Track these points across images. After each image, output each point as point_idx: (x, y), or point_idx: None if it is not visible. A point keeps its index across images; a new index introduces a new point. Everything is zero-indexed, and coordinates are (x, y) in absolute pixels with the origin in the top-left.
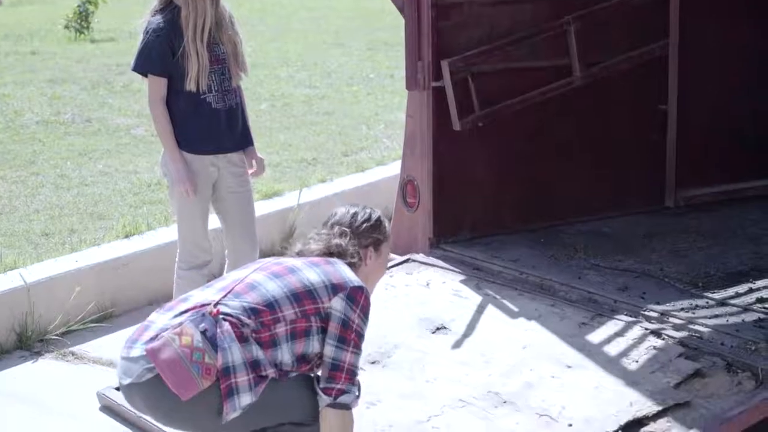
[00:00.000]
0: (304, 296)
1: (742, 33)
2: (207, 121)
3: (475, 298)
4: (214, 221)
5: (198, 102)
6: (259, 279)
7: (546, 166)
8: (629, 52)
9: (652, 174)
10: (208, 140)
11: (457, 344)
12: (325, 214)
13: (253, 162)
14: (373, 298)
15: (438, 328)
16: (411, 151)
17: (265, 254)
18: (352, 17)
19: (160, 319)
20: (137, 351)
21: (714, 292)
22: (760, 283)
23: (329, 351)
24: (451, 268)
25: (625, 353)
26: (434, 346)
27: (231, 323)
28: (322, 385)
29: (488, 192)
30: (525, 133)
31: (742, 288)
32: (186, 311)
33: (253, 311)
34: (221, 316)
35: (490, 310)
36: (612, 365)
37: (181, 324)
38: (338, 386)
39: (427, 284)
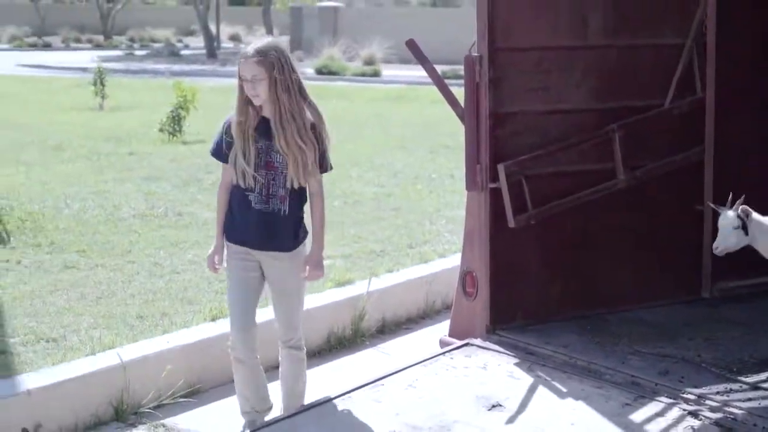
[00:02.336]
0: None
1: None
2: (242, 216)
3: (528, 380)
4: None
5: (242, 197)
6: None
7: (592, 260)
8: (669, 157)
9: (690, 267)
10: (235, 232)
11: (511, 420)
12: (392, 302)
13: (307, 267)
14: (434, 378)
15: (494, 406)
16: (470, 246)
17: (337, 337)
18: (416, 124)
19: None
20: None
21: (747, 377)
22: None
23: None
24: (506, 352)
25: None
26: (490, 422)
27: None
28: None
29: (540, 283)
30: (573, 230)
31: None
32: None
33: None
34: None
35: (542, 390)
36: None
37: None
38: None
39: (485, 366)
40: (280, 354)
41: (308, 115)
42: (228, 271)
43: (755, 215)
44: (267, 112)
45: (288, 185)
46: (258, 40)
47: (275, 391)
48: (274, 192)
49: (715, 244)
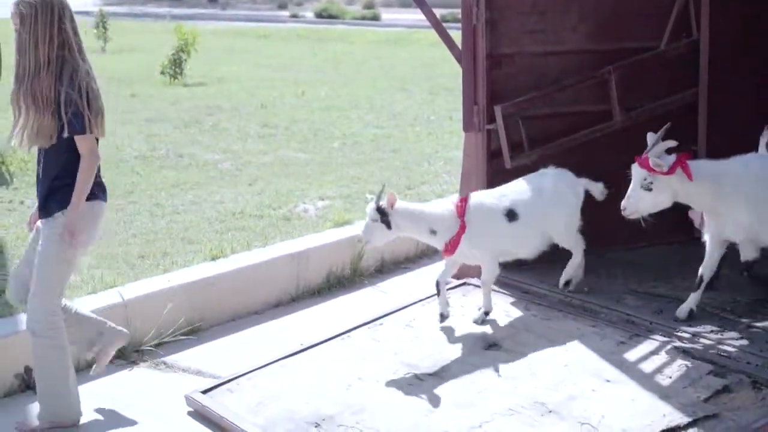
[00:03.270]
0: None
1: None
2: None
3: (524, 319)
4: None
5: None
6: None
7: (588, 201)
8: (664, 98)
9: (687, 207)
10: None
11: (507, 360)
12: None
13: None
14: (431, 317)
15: (490, 345)
16: (467, 186)
17: (336, 276)
18: (415, 66)
19: None
20: None
21: (741, 316)
22: None
23: None
24: (503, 291)
25: (659, 370)
26: (486, 361)
27: None
28: None
29: None
30: (569, 170)
31: (766, 313)
32: None
33: None
34: None
35: (537, 329)
36: (647, 380)
37: None
38: None
39: (481, 305)
40: None
41: (48, 75)
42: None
43: (399, 205)
44: None
45: (35, 148)
46: None
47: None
48: (39, 157)
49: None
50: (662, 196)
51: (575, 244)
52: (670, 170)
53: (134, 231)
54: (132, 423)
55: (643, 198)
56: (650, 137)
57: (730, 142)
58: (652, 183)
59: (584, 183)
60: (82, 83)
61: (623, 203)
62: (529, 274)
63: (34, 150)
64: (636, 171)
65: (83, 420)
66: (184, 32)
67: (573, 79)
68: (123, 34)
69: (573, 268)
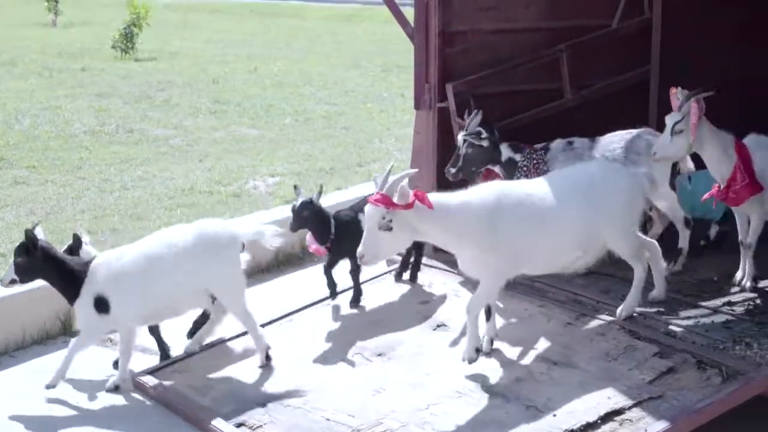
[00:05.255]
0: None
1: (719, 61)
2: None
3: None
4: None
5: None
6: None
7: None
8: (616, 76)
9: None
10: None
11: (455, 341)
12: None
13: None
14: (381, 297)
15: (438, 326)
16: (418, 164)
17: (285, 254)
18: (369, 42)
19: None
20: None
21: (686, 296)
22: (727, 289)
23: None
24: (452, 270)
25: (605, 352)
26: (434, 341)
27: None
28: None
29: None
30: None
31: (712, 293)
32: None
33: None
34: None
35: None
36: (593, 363)
37: None
38: None
39: (430, 285)
40: None
41: None
42: None
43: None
44: None
45: None
46: None
47: None
48: None
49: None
50: (403, 234)
51: None
52: (409, 204)
53: (82, 207)
54: (79, 400)
55: (383, 239)
56: (377, 178)
57: None
58: (391, 221)
59: None
60: None
61: (360, 250)
62: None
63: None
64: (371, 211)
65: (32, 395)
66: (136, 6)
67: (525, 57)
68: (74, 7)
69: None
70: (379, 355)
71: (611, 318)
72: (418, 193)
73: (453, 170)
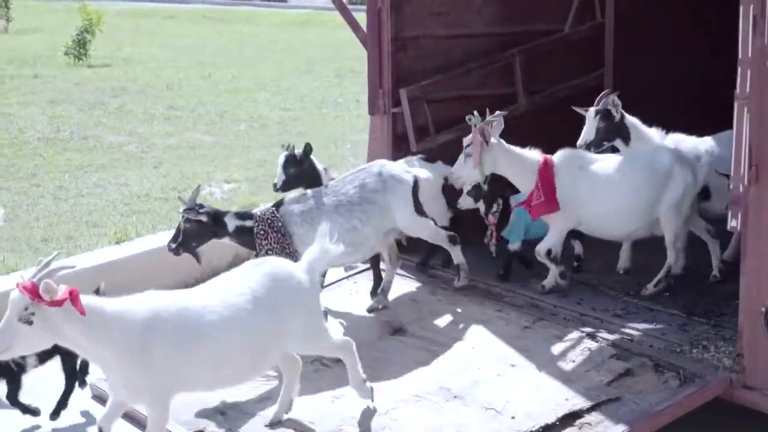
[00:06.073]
0: None
1: (673, 64)
2: None
3: (430, 303)
4: None
5: None
6: None
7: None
8: (569, 81)
9: None
10: None
11: (413, 344)
12: None
13: None
14: (338, 303)
15: (396, 330)
16: None
17: (242, 259)
18: (322, 47)
19: None
20: None
21: (643, 300)
22: (684, 292)
23: None
24: (409, 275)
25: (563, 354)
26: (392, 346)
27: None
28: None
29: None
30: None
31: (669, 296)
32: None
33: None
34: None
35: (443, 314)
36: (551, 365)
37: None
38: None
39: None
40: None
41: None
42: None
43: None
44: None
45: None
46: None
47: None
48: None
49: None
50: (43, 334)
51: None
52: (57, 302)
53: (37, 214)
54: (36, 409)
55: (20, 333)
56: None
57: None
58: (33, 314)
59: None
60: None
61: None
62: (437, 258)
63: None
64: (14, 297)
65: None
66: (88, 12)
67: (478, 62)
68: (26, 13)
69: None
70: (338, 361)
71: (569, 322)
72: (73, 292)
73: (174, 245)
